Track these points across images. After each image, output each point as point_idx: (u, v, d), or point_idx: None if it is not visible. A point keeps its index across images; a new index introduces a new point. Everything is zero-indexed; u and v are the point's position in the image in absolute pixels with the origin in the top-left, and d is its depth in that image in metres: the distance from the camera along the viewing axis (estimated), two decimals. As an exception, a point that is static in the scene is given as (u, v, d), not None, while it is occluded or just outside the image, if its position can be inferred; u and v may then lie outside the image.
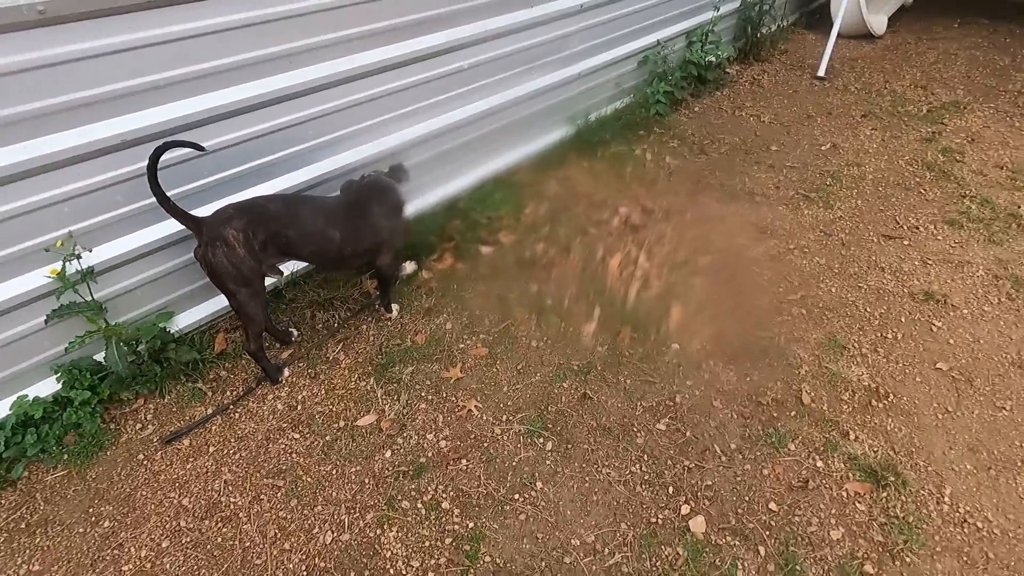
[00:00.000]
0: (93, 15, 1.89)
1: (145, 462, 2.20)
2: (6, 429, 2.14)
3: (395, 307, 2.83)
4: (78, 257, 2.10)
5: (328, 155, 2.81)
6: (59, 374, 2.23)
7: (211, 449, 2.25)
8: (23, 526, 2.00)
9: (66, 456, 2.19)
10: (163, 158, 2.06)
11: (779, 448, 2.20)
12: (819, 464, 2.14)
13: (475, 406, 2.39)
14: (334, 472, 2.16)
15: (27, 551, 1.94)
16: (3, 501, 2.06)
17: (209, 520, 2.01)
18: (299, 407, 2.40)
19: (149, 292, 2.44)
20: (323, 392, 2.46)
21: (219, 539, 1.97)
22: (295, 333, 2.72)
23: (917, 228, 3.36)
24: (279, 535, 1.97)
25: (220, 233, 2.14)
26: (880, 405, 2.35)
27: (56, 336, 2.22)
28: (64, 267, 2.10)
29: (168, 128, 2.20)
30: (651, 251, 3.18)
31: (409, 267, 3.07)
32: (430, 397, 2.44)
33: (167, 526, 2.00)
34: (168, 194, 2.13)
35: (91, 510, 2.05)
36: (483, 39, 3.25)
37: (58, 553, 1.94)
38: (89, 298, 2.20)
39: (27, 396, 2.21)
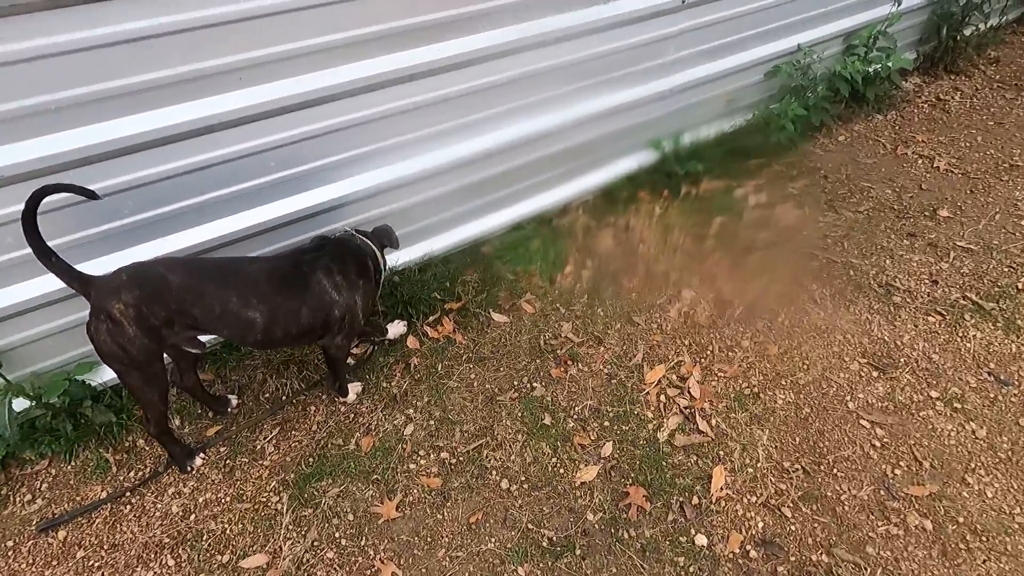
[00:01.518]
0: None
1: (10, 553, 1.88)
2: None
3: (355, 389, 2.26)
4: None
5: (300, 190, 2.25)
6: (-52, 428, 1.95)
7: (79, 554, 1.86)
8: None
9: (-58, 523, 1.94)
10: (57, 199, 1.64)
11: None
12: None
13: (392, 575, 1.77)
14: (189, 635, 1.68)
15: None
16: None
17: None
18: (194, 515, 1.94)
19: (63, 342, 2.08)
20: (228, 499, 1.98)
21: None
22: (234, 402, 2.25)
23: None
24: None
25: (105, 306, 1.67)
26: None
27: (-51, 385, 1.93)
28: (-63, 319, 1.77)
29: (63, 161, 1.75)
30: (710, 369, 2.28)
31: (394, 330, 2.47)
32: (344, 543, 1.86)
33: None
34: (70, 239, 1.72)
35: (-72, 611, 1.76)
36: (523, 47, 2.44)
37: None
38: (-25, 351, 1.87)
39: (-87, 447, 1.97)
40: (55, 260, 1.68)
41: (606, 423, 2.14)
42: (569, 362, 2.37)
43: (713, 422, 2.10)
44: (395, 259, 2.63)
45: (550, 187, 3.00)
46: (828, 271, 2.70)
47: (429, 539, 1.85)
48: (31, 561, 1.85)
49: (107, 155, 1.81)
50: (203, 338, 1.96)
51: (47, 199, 1.61)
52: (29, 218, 1.61)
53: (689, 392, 2.21)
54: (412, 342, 2.46)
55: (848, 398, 2.17)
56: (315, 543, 1.85)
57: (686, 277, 2.69)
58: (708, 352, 2.36)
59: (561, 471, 2.01)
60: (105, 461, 2.09)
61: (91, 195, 1.68)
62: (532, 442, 2.10)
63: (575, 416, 2.17)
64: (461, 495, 1.96)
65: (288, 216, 2.22)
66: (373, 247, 2.08)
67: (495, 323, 2.55)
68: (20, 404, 2.05)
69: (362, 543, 1.85)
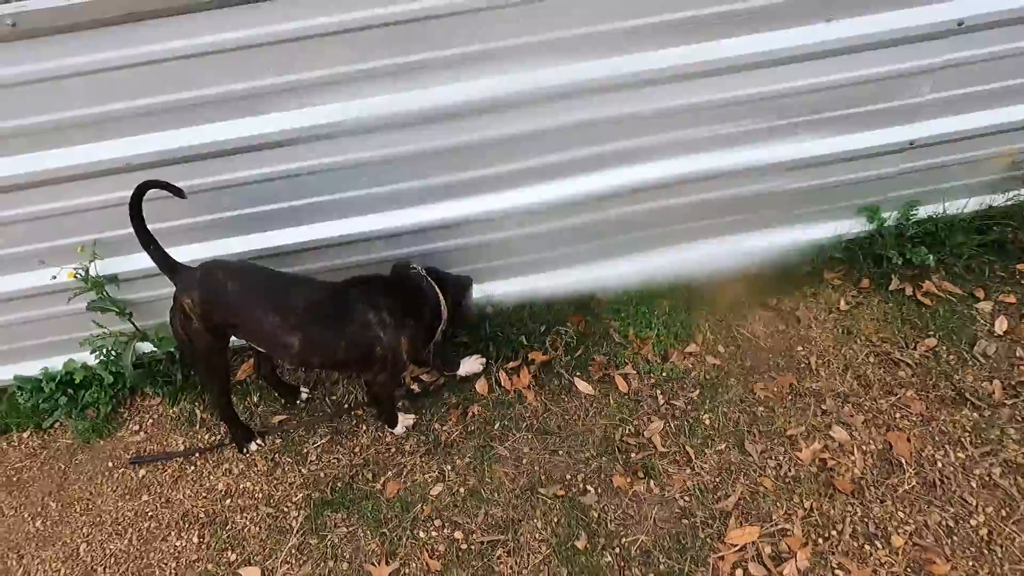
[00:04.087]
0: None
1: (106, 474, 2.21)
2: (52, 382, 2.38)
3: (405, 422, 2.14)
4: (86, 269, 2.04)
5: (397, 208, 2.13)
6: (95, 352, 2.33)
7: (144, 497, 2.11)
8: (-3, 483, 2.23)
9: (80, 427, 2.35)
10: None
11: None
12: None
13: (354, 653, 1.65)
14: (178, 621, 1.79)
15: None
16: (21, 445, 2.34)
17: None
18: (231, 499, 2.05)
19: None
20: (261, 495, 2.05)
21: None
22: (304, 396, 2.31)
23: None
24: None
25: (179, 298, 1.79)
26: None
27: (101, 318, 2.29)
28: (87, 271, 2.08)
29: (176, 155, 1.86)
30: (825, 559, 1.66)
31: (468, 367, 2.27)
32: (329, 592, 1.78)
33: (49, 569, 1.96)
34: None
35: (43, 500, 2.15)
36: (700, 72, 1.92)
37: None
38: (114, 297, 2.18)
39: (75, 361, 2.40)
40: (153, 248, 1.82)
41: (651, 576, 1.69)
42: (640, 474, 1.92)
43: (796, 645, 1.51)
44: (493, 289, 2.41)
45: (703, 240, 2.42)
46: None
47: (403, 629, 1.68)
48: (113, 488, 2.16)
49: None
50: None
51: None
52: (135, 208, 1.76)
53: (779, 583, 1.62)
54: (482, 386, 2.24)
55: None
56: (305, 579, 1.82)
57: (848, 410, 1.97)
58: (833, 532, 1.70)
59: (571, 618, 1.65)
60: (194, 416, 2.33)
61: (178, 193, 1.76)
62: (553, 561, 1.75)
63: (617, 549, 1.76)
64: (455, 592, 1.74)
65: (377, 232, 2.13)
66: (437, 292, 1.88)
67: (576, 391, 2.19)
68: (147, 347, 2.37)
69: (344, 600, 1.76)
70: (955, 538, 1.65)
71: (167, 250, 1.82)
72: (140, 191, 1.74)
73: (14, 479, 2.22)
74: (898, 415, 1.93)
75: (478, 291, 2.33)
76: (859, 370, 2.07)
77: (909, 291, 2.27)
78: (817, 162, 2.19)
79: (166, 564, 1.92)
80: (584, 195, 2.17)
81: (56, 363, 2.41)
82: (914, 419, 1.91)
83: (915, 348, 2.10)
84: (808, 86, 2.00)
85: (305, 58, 1.72)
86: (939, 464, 1.80)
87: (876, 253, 2.35)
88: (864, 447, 1.86)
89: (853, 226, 2.39)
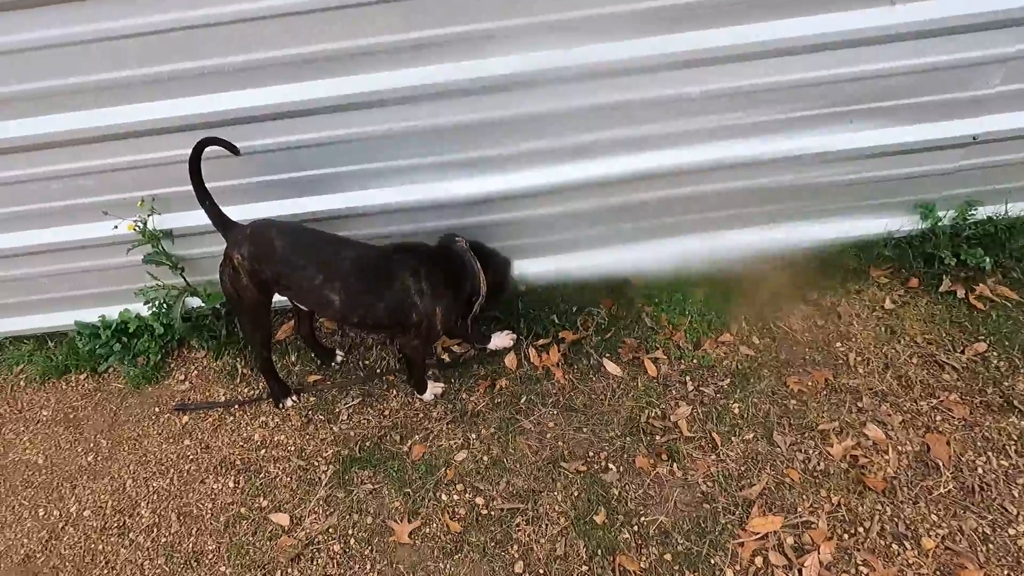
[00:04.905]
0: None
1: (153, 418, 2.33)
2: (108, 330, 2.53)
3: (434, 389, 2.19)
4: (144, 222, 2.15)
5: (435, 180, 2.16)
6: (148, 304, 2.46)
7: (186, 442, 2.22)
8: (55, 418, 2.37)
9: (131, 373, 2.49)
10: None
11: None
12: None
13: (373, 603, 1.71)
14: (212, 557, 1.88)
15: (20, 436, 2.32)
16: (78, 386, 2.49)
17: (107, 528, 2.01)
18: (266, 450, 2.15)
19: (231, 262, 2.42)
20: (294, 448, 2.13)
21: (97, 548, 1.97)
22: (339, 358, 2.39)
23: None
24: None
25: (230, 254, 1.88)
26: None
27: (155, 271, 2.42)
28: (145, 224, 2.19)
29: (234, 116, 1.94)
30: (849, 554, 1.63)
31: (498, 341, 2.30)
32: (352, 543, 1.85)
33: (98, 500, 2.09)
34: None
35: (95, 437, 2.30)
36: (752, 54, 1.88)
37: (29, 454, 2.26)
38: (168, 252, 2.29)
39: (130, 311, 2.54)
40: (209, 204, 1.91)
41: (668, 556, 1.69)
42: (664, 456, 1.91)
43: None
44: (527, 266, 2.42)
45: (744, 228, 2.38)
46: None
47: (422, 585, 1.74)
48: (159, 431, 2.28)
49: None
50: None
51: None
52: (195, 164, 1.85)
53: (800, 574, 1.59)
54: (511, 360, 2.27)
55: None
56: (331, 529, 1.89)
57: (885, 409, 1.91)
58: (859, 529, 1.66)
59: (584, 591, 1.66)
60: (236, 370, 2.44)
61: (234, 150, 1.85)
62: (571, 533, 1.77)
63: (636, 527, 1.76)
64: (472, 554, 1.77)
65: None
66: (478, 268, 1.91)
67: (605, 372, 2.19)
68: (196, 302, 2.49)
69: (366, 552, 1.82)
70: (990, 545, 1.59)
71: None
72: (200, 147, 1.82)
73: (71, 416, 2.38)
74: (939, 418, 1.86)
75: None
76: (900, 370, 2.01)
77: (961, 293, 2.18)
78: (870, 153, 2.12)
79: (203, 504, 2.02)
80: (623, 176, 2.15)
81: (112, 312, 2.55)
82: (956, 423, 1.84)
83: (963, 352, 2.02)
84: (866, 72, 1.94)
85: (358, 26, 1.76)
86: (980, 470, 1.73)
87: (928, 252, 2.26)
88: (900, 447, 1.81)
89: (905, 223, 2.31)
